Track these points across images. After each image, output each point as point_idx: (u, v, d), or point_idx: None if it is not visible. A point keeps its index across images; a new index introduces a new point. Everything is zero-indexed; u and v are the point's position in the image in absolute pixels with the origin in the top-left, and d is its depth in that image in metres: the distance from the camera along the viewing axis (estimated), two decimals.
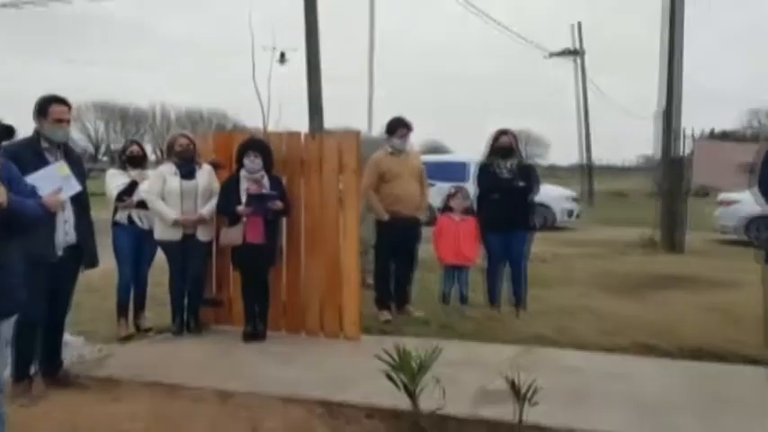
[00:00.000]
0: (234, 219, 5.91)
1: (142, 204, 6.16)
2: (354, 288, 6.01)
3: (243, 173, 5.96)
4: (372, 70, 18.55)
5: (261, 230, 5.86)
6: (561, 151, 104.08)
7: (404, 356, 4.06)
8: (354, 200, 6.02)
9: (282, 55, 22.39)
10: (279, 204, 5.88)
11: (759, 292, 5.49)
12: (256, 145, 5.99)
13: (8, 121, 3.24)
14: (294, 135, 6.36)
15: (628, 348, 5.75)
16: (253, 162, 5.90)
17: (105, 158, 56.71)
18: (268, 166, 5.99)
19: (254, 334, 5.98)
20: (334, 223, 6.07)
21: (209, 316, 6.51)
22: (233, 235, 5.87)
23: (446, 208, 6.97)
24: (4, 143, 3.20)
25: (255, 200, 5.83)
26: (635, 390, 4.72)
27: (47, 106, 4.65)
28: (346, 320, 6.02)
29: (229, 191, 5.95)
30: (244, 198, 5.87)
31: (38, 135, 4.66)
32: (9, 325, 3.38)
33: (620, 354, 5.63)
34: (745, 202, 13.67)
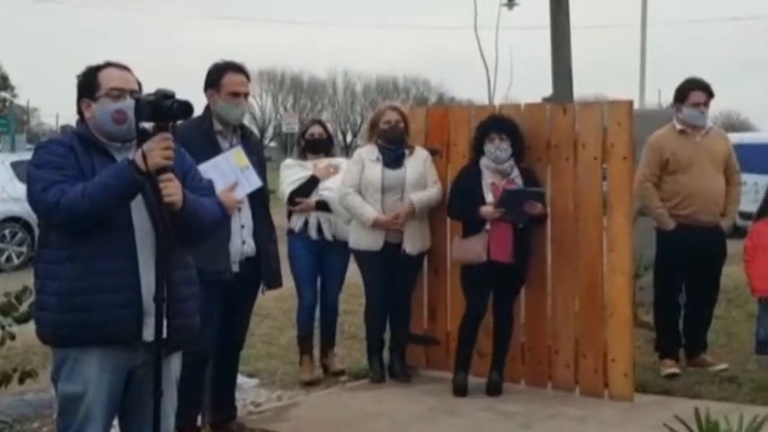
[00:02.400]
0: (472, 225, 6.00)
1: (323, 206, 6.43)
2: (625, 326, 5.87)
3: (484, 162, 6.04)
4: (646, 11, 17.90)
5: (510, 243, 5.91)
6: None
7: (708, 428, 3.88)
8: (626, 200, 5.88)
9: None
10: (540, 207, 5.90)
11: None
12: (503, 125, 6.06)
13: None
14: (536, 108, 6.39)
15: None
16: (498, 148, 5.97)
17: (273, 143, 60.41)
18: (519, 153, 6.03)
19: (491, 386, 6.03)
20: (596, 234, 5.97)
21: (419, 357, 6.65)
22: (473, 248, 5.95)
23: (765, 211, 6.55)
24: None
25: (512, 198, 5.88)
26: None
27: (220, 76, 4.99)
28: (613, 372, 5.89)
29: (467, 186, 6.04)
30: (489, 197, 5.94)
31: (209, 113, 5.01)
32: (178, 360, 3.64)
33: None
34: None
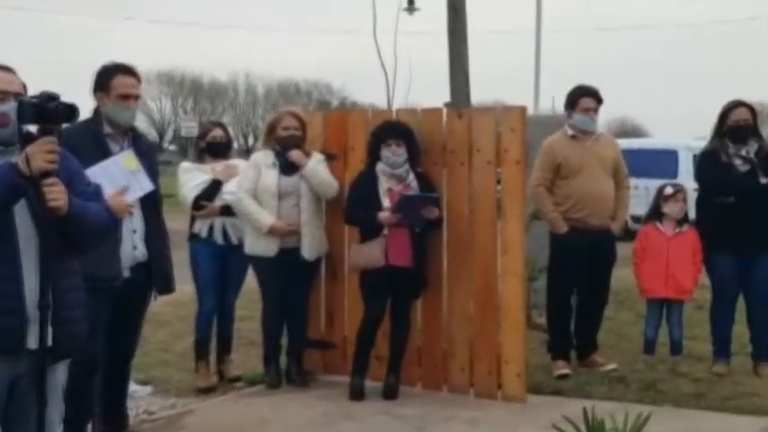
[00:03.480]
0: (370, 231, 6.04)
1: (228, 211, 6.39)
2: (518, 329, 5.98)
3: (380, 167, 6.08)
4: (540, 19, 18.34)
5: (409, 248, 5.96)
6: None
7: (595, 427, 3.99)
8: (519, 204, 6.00)
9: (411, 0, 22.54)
10: (436, 212, 5.97)
11: None
12: (399, 130, 6.11)
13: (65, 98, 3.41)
14: (432, 113, 6.44)
15: None
16: (395, 153, 6.01)
17: (173, 147, 59.59)
18: (415, 158, 6.09)
19: (387, 390, 6.07)
20: (490, 237, 6.07)
21: (316, 362, 6.67)
22: (371, 253, 5.99)
23: (653, 215, 6.78)
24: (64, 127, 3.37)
25: (408, 203, 5.93)
26: None
27: (109, 78, 4.91)
28: (506, 373, 5.99)
29: (364, 192, 6.08)
30: (385, 202, 5.99)
31: (98, 116, 4.93)
32: (64, 369, 3.58)
33: None
34: None
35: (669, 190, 6.75)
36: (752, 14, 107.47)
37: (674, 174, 14.72)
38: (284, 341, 6.49)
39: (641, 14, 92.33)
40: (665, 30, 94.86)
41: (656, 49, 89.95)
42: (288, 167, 6.27)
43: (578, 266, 6.66)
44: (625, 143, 16.16)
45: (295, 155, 6.24)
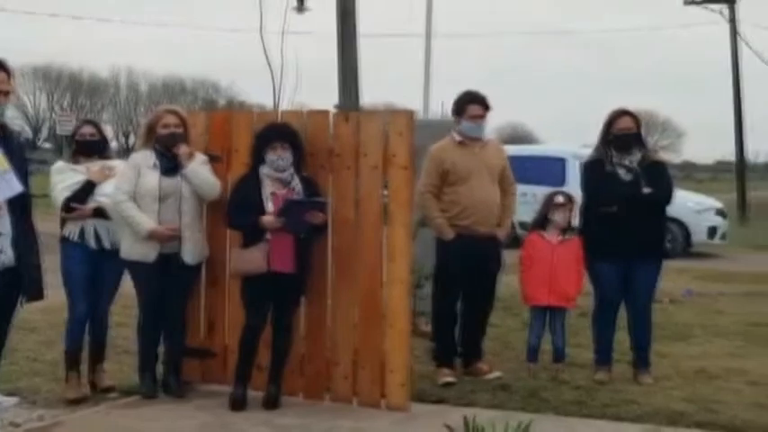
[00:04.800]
0: (252, 236, 6.00)
1: (101, 213, 6.27)
2: (403, 337, 6.03)
3: (265, 170, 6.05)
4: (431, 23, 18.48)
5: (292, 253, 5.95)
6: (701, 143, 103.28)
7: None
8: (406, 210, 6.04)
9: None
10: (321, 217, 5.97)
11: None
12: (284, 133, 6.09)
13: None
14: (319, 115, 6.43)
15: None
16: (280, 157, 5.99)
17: (48, 145, 57.98)
18: (300, 161, 6.09)
19: (268, 399, 6.03)
20: (375, 243, 6.11)
21: (195, 371, 6.58)
22: (253, 259, 5.95)
23: (539, 223, 6.93)
24: None
25: (292, 208, 5.92)
26: None
27: None
28: (390, 382, 6.03)
29: (246, 196, 6.04)
30: (269, 206, 5.96)
31: None
32: None
33: None
34: None
35: (560, 199, 6.91)
36: (654, 24, 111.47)
37: (562, 181, 15.13)
38: (161, 350, 6.38)
39: (535, 21, 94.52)
40: (560, 36, 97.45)
41: (551, 56, 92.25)
42: (169, 168, 6.18)
43: (464, 273, 6.76)
44: (514, 150, 16.52)
45: (183, 150, 6.16)
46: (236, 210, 6.07)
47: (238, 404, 5.98)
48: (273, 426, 5.67)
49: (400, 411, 5.94)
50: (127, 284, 6.46)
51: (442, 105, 20.70)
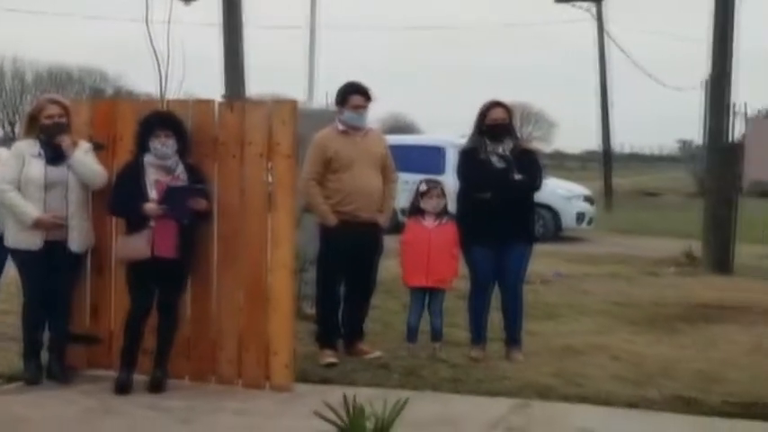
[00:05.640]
0: (136, 222, 5.89)
1: None
2: (286, 320, 6.02)
3: (148, 158, 5.94)
4: (315, 15, 18.50)
5: (176, 239, 5.87)
6: (571, 134, 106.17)
7: (355, 413, 4.08)
8: (289, 197, 6.02)
9: None
10: (204, 204, 5.91)
11: None
12: (168, 121, 6.00)
13: None
14: (204, 104, 6.36)
15: (657, 403, 5.86)
16: (164, 144, 5.90)
17: None
18: (183, 149, 6.00)
19: (154, 383, 5.93)
20: (260, 229, 6.07)
21: (80, 357, 6.42)
22: (137, 245, 5.86)
23: (415, 210, 7.00)
24: None
25: (175, 195, 5.84)
26: None
27: None
28: (274, 363, 6.02)
29: (130, 182, 5.92)
30: (153, 193, 5.86)
31: None
32: None
33: (646, 410, 5.73)
34: None
35: (423, 187, 6.99)
36: (528, 20, 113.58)
37: (442, 169, 15.27)
38: (46, 336, 6.20)
39: (418, 16, 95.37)
40: (441, 31, 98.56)
41: (432, 50, 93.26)
42: (54, 157, 6.01)
43: (347, 258, 6.79)
44: (395, 139, 16.59)
45: (65, 142, 5.99)
46: (120, 197, 5.96)
47: (123, 388, 5.87)
48: (159, 408, 5.58)
49: (284, 392, 5.94)
50: (11, 272, 6.26)
51: (326, 96, 20.68)
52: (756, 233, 15.48)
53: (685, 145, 59.42)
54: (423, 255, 6.84)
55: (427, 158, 16.32)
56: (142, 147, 5.97)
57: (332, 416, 4.07)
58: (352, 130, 6.85)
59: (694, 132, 34.35)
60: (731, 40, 13.55)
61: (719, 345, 7.67)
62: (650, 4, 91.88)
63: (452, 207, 7.07)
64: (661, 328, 8.39)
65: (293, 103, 6.25)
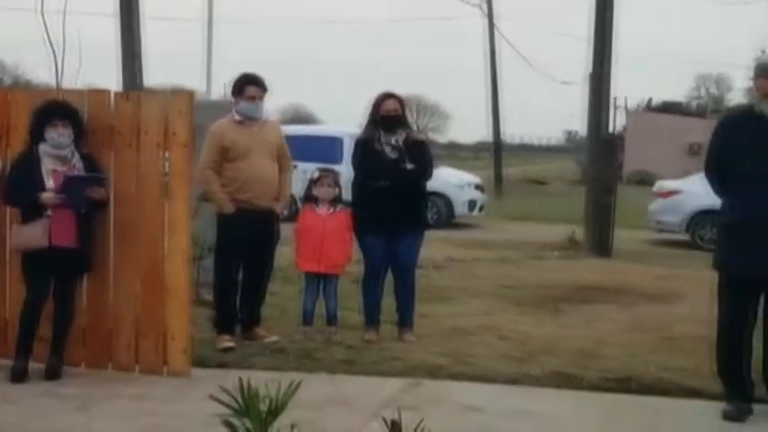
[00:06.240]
0: (32, 212, 5.76)
1: None
2: (183, 305, 5.97)
3: (44, 148, 5.80)
4: (212, 8, 18.30)
5: (73, 228, 5.76)
6: (463, 125, 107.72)
7: (250, 396, 4.06)
8: (185, 185, 5.97)
9: None
10: (101, 192, 5.82)
11: (704, 306, 5.86)
12: (63, 110, 5.86)
13: None
14: (99, 94, 6.24)
15: (541, 379, 6.02)
16: (60, 134, 5.77)
17: None
18: (80, 139, 5.88)
19: (50, 370, 5.80)
20: (156, 217, 6.00)
21: None
22: (33, 234, 5.72)
23: (310, 197, 7.02)
24: None
25: (73, 184, 5.73)
26: None
27: None
28: (172, 349, 5.96)
29: (25, 172, 5.78)
30: (49, 183, 5.74)
31: None
32: None
33: (531, 386, 5.89)
34: (689, 192, 14.64)
35: (316, 174, 7.04)
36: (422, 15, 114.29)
37: (339, 159, 15.26)
38: None
39: (317, 10, 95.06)
40: (339, 25, 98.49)
41: (332, 43, 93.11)
42: None
43: (244, 245, 6.76)
44: (295, 130, 16.61)
45: None
46: (15, 187, 5.80)
47: (19, 376, 5.72)
48: (55, 396, 5.47)
49: (182, 377, 5.88)
50: None
51: (224, 87, 20.45)
52: (634, 219, 15.98)
53: (571, 136, 61.06)
54: (315, 241, 6.86)
55: (325, 148, 16.34)
56: (37, 136, 5.82)
57: (227, 399, 4.05)
58: (249, 120, 6.81)
59: (579, 124, 35.24)
60: (610, 39, 13.98)
61: (599, 324, 7.91)
62: (539, 2, 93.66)
63: (348, 195, 7.12)
64: (546, 308, 8.63)
65: (190, 93, 6.23)
